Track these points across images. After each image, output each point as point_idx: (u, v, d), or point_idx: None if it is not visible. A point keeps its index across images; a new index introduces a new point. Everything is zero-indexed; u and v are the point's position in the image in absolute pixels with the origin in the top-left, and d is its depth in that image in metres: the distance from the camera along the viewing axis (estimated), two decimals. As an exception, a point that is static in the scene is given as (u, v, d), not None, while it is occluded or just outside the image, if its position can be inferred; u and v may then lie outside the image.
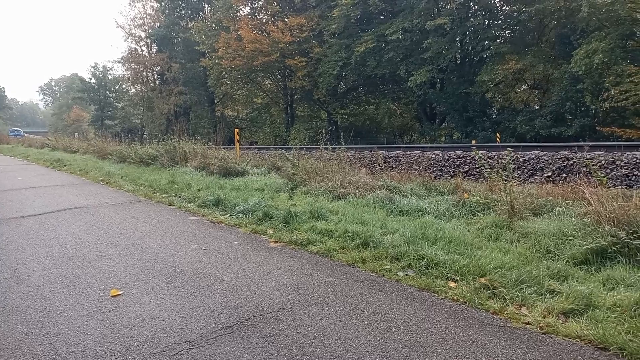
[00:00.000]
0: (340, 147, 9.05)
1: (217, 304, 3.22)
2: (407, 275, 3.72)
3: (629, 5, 20.15)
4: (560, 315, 2.91)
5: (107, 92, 65.50)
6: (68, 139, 27.41)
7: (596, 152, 10.93)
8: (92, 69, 64.80)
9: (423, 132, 32.12)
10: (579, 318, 2.85)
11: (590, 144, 12.96)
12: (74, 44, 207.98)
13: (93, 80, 64.87)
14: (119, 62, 60.93)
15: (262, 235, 5.19)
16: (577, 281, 3.34)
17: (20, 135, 64.17)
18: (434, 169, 13.09)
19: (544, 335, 2.71)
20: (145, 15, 50.41)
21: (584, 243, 3.84)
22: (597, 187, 4.85)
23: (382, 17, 31.24)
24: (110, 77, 65.09)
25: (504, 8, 28.60)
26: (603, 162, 10.14)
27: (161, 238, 5.11)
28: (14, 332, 2.82)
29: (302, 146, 17.61)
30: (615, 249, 3.69)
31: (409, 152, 15.03)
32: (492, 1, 27.53)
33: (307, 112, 40.17)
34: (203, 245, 4.77)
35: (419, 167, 11.47)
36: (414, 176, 7.84)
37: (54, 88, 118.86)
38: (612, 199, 4.31)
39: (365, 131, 35.04)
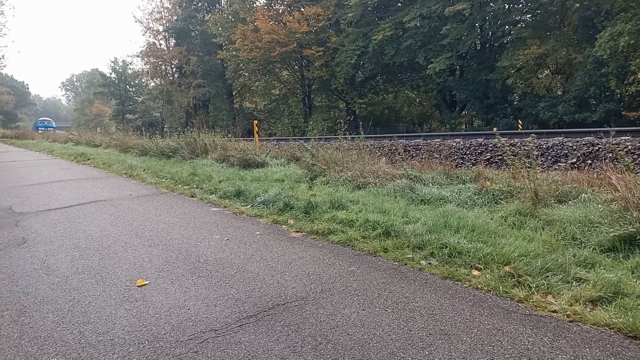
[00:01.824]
0: (359, 137, 9.01)
1: (241, 293, 3.26)
2: (429, 264, 3.70)
3: (657, -16, 19.50)
4: (587, 303, 2.86)
5: (127, 86, 66.39)
6: (90, 133, 27.91)
7: (622, 138, 10.65)
8: (112, 64, 65.90)
9: (443, 120, 31.76)
10: (607, 306, 2.80)
11: (616, 129, 12.62)
12: (94, 40, 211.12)
13: (113, 75, 65.85)
14: (137, 56, 61.59)
15: (284, 226, 5.22)
16: (604, 269, 3.27)
17: (51, 127, 62.64)
18: (455, 157, 12.94)
19: (571, 323, 2.67)
20: (162, 9, 50.81)
21: (611, 230, 3.76)
22: (624, 172, 4.72)
23: (399, 4, 30.86)
24: (129, 71, 65.91)
25: (525, -9, 27.94)
26: (630, 147, 9.88)
27: (184, 229, 5.18)
28: (46, 321, 2.91)
29: (321, 137, 17.59)
30: (644, 235, 3.60)
31: (429, 141, 14.88)
32: (513, -16, 26.92)
33: (325, 102, 40.03)
34: (225, 236, 4.82)
35: (440, 155, 11.35)
36: (434, 165, 7.77)
37: (76, 83, 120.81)
38: (640, 184, 4.20)
39: (384, 120, 34.77)
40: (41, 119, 74.82)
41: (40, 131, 54.07)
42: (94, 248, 4.51)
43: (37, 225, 5.59)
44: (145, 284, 3.48)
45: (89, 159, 14.61)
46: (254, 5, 38.60)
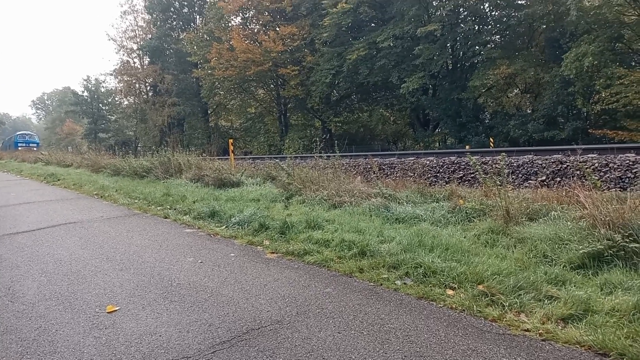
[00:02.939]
0: (334, 155, 9.05)
1: (215, 318, 3.19)
2: (404, 284, 3.71)
3: (616, 8, 20.41)
4: (559, 321, 2.90)
5: (100, 104, 65.53)
6: (61, 153, 27.25)
7: (589, 155, 10.99)
8: (85, 82, 65.01)
9: (417, 138, 32.25)
10: (577, 323, 2.84)
11: (583, 146, 13.03)
12: (66, 58, 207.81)
13: (86, 94, 64.92)
14: (111, 74, 60.90)
15: (259, 247, 5.17)
16: (574, 286, 3.34)
17: (34, 143, 51.33)
18: (429, 175, 13.12)
19: (543, 342, 2.70)
20: (136, 28, 50.65)
21: (580, 247, 3.85)
22: (591, 190, 4.87)
23: (373, 24, 31.45)
24: (102, 89, 65.20)
25: (493, 13, 28.90)
26: (596, 164, 10.20)
27: (157, 252, 5.08)
28: (9, 352, 2.78)
29: (297, 155, 17.64)
30: (611, 252, 3.69)
31: (403, 159, 15.06)
32: (482, 7, 27.80)
33: (301, 120, 40.23)
34: (199, 258, 4.74)
35: (414, 173, 11.50)
36: (409, 183, 7.84)
37: (47, 102, 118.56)
38: (607, 201, 4.32)
39: (359, 139, 35.12)
40: (20, 132, 59.70)
41: (20, 148, 46.19)
42: (62, 273, 4.37)
43: (3, 250, 5.39)
44: (116, 310, 3.39)
45: (59, 180, 14.26)
46: (229, 25, 38.78)
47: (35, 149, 46.42)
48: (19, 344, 2.89)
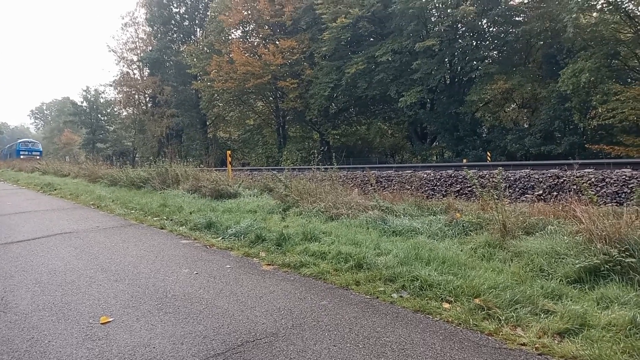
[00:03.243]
0: (332, 168, 9.07)
1: (209, 330, 3.17)
2: (401, 297, 3.69)
3: (612, 26, 20.69)
4: (555, 335, 2.89)
5: (99, 115, 65.67)
6: (59, 162, 27.21)
7: (586, 170, 11.04)
8: (84, 93, 65.22)
9: (414, 151, 32.38)
10: (574, 338, 2.83)
11: (580, 161, 13.09)
12: (65, 68, 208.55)
13: (85, 104, 65.09)
14: (110, 85, 61.34)
15: (255, 259, 5.15)
16: (571, 300, 3.33)
17: (37, 152, 49.91)
18: (426, 188, 13.14)
19: (540, 356, 2.69)
20: (137, 39, 50.99)
21: (577, 261, 3.84)
22: (587, 204, 4.88)
23: (372, 39, 31.75)
24: (102, 100, 65.36)
25: (491, 29, 29.23)
26: (593, 179, 10.24)
27: (152, 263, 5.05)
28: (0, 363, 2.75)
29: (295, 167, 17.66)
30: (608, 267, 3.69)
31: (400, 172, 15.09)
32: (480, 23, 28.12)
33: (299, 132, 40.40)
34: (195, 270, 4.71)
35: (411, 186, 11.51)
36: (406, 196, 7.86)
37: (46, 112, 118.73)
38: (603, 216, 4.33)
39: (357, 151, 35.26)
40: (23, 140, 56.41)
41: (22, 157, 44.39)
42: (56, 283, 4.34)
43: (-3, 259, 5.36)
44: (110, 321, 3.35)
45: (55, 189, 14.23)
46: (230, 38, 39.11)
47: (38, 157, 44.75)
48: (10, 355, 2.86)
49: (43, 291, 4.10)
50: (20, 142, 53.56)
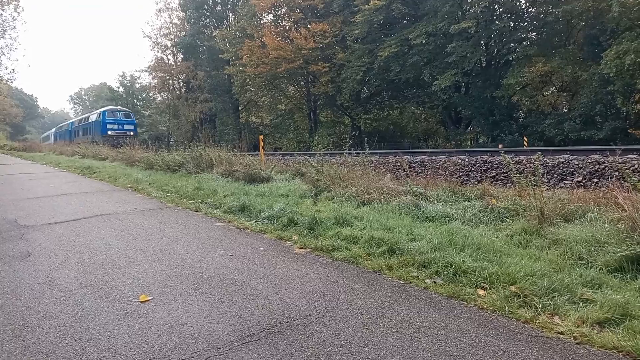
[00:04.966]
0: (364, 153, 9.01)
1: (244, 310, 3.23)
2: (434, 282, 3.66)
3: (662, 4, 19.61)
4: (594, 324, 2.81)
5: (135, 100, 67.07)
6: (97, 146, 28.07)
7: (629, 156, 10.59)
8: (120, 78, 66.76)
9: (448, 136, 31.83)
10: (615, 328, 2.75)
11: (623, 147, 12.56)
12: (103, 54, 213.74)
13: (121, 89, 66.63)
14: (145, 70, 62.21)
15: (288, 242, 5.20)
16: (611, 289, 3.23)
17: (131, 126, 37.23)
18: (460, 174, 12.91)
19: (578, 346, 2.63)
20: (171, 25, 51.60)
21: (618, 250, 3.71)
22: (630, 192, 4.69)
23: (405, 21, 31.15)
24: (137, 85, 66.67)
25: (530, 10, 28.16)
26: (637, 166, 9.82)
27: (188, 244, 5.18)
28: (48, 337, 2.89)
29: (326, 152, 17.63)
30: (652, 256, 3.56)
31: (434, 157, 14.87)
32: (518, 3, 27.14)
33: (331, 117, 40.27)
34: (229, 252, 4.80)
35: (445, 172, 11.35)
36: (439, 181, 7.74)
37: (84, 97, 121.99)
38: (647, 204, 4.16)
39: (389, 136, 34.89)
40: (109, 108, 38.89)
41: (110, 133, 34.37)
42: (97, 262, 4.50)
43: (42, 239, 5.60)
44: (148, 300, 3.47)
45: (94, 173, 14.69)
46: (261, 22, 39.11)
47: (132, 133, 34.44)
48: (57, 329, 3.00)
49: (85, 270, 4.27)
50: (106, 111, 36.95)
